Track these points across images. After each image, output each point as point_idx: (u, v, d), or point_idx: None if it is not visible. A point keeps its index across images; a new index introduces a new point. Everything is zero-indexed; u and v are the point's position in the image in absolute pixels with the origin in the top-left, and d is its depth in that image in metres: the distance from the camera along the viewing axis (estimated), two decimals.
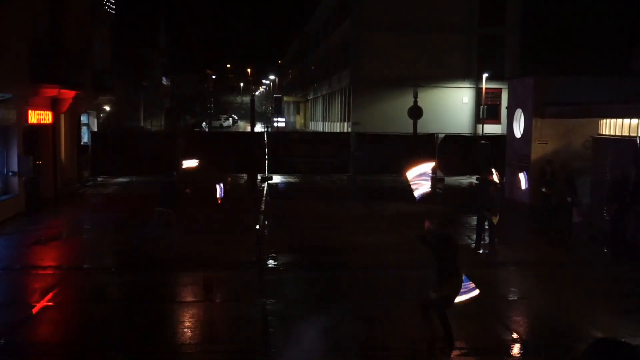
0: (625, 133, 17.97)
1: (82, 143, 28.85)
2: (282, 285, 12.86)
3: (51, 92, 22.13)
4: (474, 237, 16.29)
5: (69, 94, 23.43)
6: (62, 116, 24.91)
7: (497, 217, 15.31)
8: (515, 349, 9.55)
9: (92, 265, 14.24)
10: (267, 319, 10.62)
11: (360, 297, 12.03)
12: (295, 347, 9.15)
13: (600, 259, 15.19)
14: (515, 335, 9.96)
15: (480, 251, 15.71)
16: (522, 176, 18.07)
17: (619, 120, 18.38)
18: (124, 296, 12.12)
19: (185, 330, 10.14)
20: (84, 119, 30.40)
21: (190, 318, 10.74)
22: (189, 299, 11.98)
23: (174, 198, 15.88)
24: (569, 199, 17.45)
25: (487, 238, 15.93)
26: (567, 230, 17.29)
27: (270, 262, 14.39)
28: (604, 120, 19.29)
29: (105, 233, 17.78)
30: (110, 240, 16.82)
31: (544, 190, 18.81)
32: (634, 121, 17.54)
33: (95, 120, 35.20)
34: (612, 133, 18.79)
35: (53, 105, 23.00)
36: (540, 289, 13.03)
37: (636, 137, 17.10)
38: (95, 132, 31.88)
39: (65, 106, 23.79)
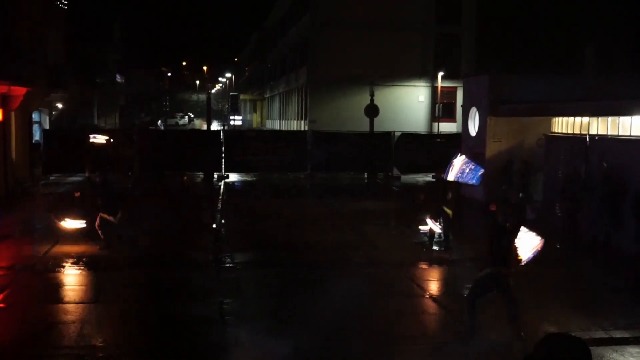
0: (577, 131, 18.33)
1: (33, 141, 28.27)
2: (240, 284, 12.79)
3: (1, 88, 21.61)
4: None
5: (20, 91, 22.91)
6: (13, 113, 24.35)
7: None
8: (470, 344, 9.64)
9: (45, 266, 13.94)
10: (225, 318, 10.55)
11: (317, 294, 12.03)
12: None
13: (553, 255, 15.44)
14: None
15: (436, 248, 15.83)
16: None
17: (571, 119, 18.74)
18: (76, 297, 11.91)
19: (140, 330, 10.00)
20: (35, 116, 29.81)
21: (146, 318, 10.59)
22: (145, 298, 11.81)
23: (117, 201, 15.36)
24: (520, 195, 17.70)
25: (442, 236, 16.00)
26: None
27: (228, 261, 14.32)
28: (557, 119, 19.66)
29: (58, 233, 17.40)
30: (64, 239, 16.48)
31: (504, 188, 19.04)
32: (585, 119, 17.91)
33: (47, 117, 34.57)
34: (564, 131, 19.15)
35: (3, 102, 22.45)
36: None
37: (586, 135, 17.45)
38: (47, 129, 31.29)
39: (16, 103, 23.24)
